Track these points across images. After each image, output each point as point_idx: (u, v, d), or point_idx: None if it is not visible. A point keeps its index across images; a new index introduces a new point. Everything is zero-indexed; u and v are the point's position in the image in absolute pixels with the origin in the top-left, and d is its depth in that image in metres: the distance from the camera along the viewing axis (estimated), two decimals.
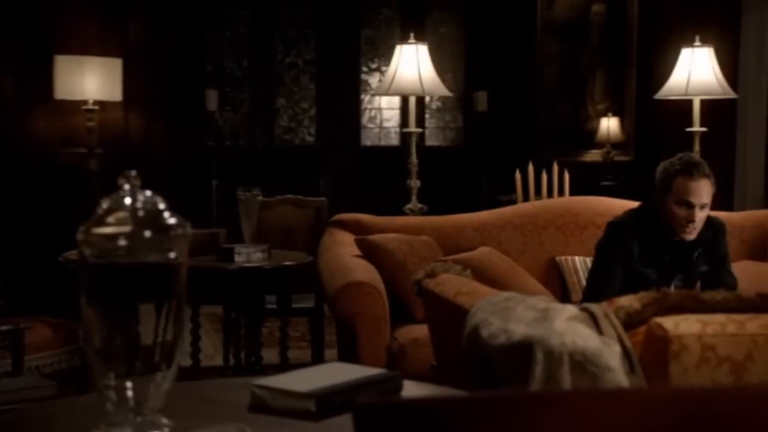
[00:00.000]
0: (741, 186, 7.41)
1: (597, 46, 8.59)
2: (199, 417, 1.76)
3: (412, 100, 4.87)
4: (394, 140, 8.78)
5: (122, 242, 1.63)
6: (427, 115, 8.92)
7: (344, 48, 8.59)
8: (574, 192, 5.33)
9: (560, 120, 8.60)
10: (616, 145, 8.52)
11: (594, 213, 4.37)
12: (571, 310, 1.95)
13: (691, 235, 3.48)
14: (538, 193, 5.46)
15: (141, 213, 1.64)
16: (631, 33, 8.48)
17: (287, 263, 4.10)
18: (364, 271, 3.80)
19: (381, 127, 8.89)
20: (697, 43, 4.91)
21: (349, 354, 3.69)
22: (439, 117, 9.00)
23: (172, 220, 1.67)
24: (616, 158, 8.47)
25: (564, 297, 4.16)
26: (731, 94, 4.95)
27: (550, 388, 1.79)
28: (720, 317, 1.88)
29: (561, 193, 5.49)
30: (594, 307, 2.03)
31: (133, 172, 1.66)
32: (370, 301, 3.65)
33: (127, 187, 1.64)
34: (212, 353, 5.54)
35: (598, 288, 3.54)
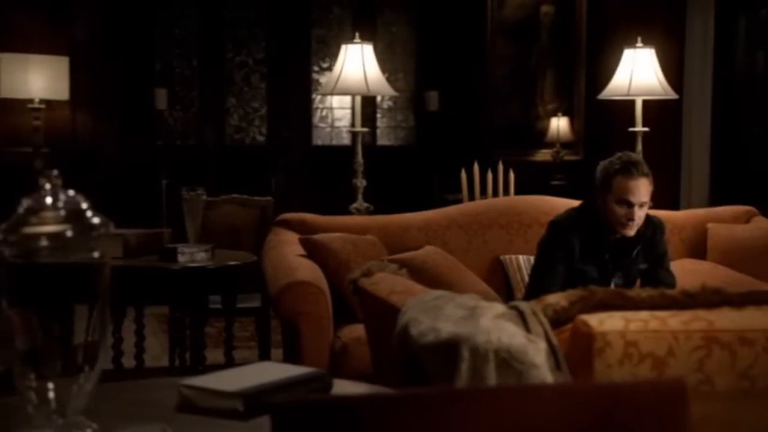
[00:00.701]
0: (686, 185, 7.52)
1: (546, 47, 8.67)
2: (124, 418, 1.75)
3: (358, 100, 4.89)
4: (345, 140, 8.78)
5: (44, 242, 1.61)
6: (378, 115, 8.94)
7: (295, 47, 8.58)
8: (525, 191, 5.37)
9: (511, 120, 8.67)
10: (565, 145, 8.60)
11: (538, 212, 4.41)
12: (498, 308, 1.97)
13: (631, 231, 3.53)
14: (483, 192, 5.50)
15: (63, 213, 1.63)
16: (579, 34, 8.58)
17: (231, 263, 4.08)
18: (308, 271, 3.80)
19: (332, 126, 8.89)
20: (639, 44, 4.97)
21: (292, 353, 3.69)
22: (391, 116, 9.02)
23: (95, 220, 1.66)
24: (566, 158, 8.55)
25: (508, 295, 4.19)
26: (672, 95, 5.01)
27: (476, 385, 1.81)
28: (643, 314, 1.91)
29: (506, 192, 5.53)
30: (522, 305, 2.05)
31: (55, 172, 1.65)
32: (313, 301, 3.65)
33: (48, 186, 1.63)
34: (160, 354, 5.51)
35: (539, 286, 3.57)
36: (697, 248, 4.42)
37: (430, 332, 1.93)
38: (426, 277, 3.84)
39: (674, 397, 1.40)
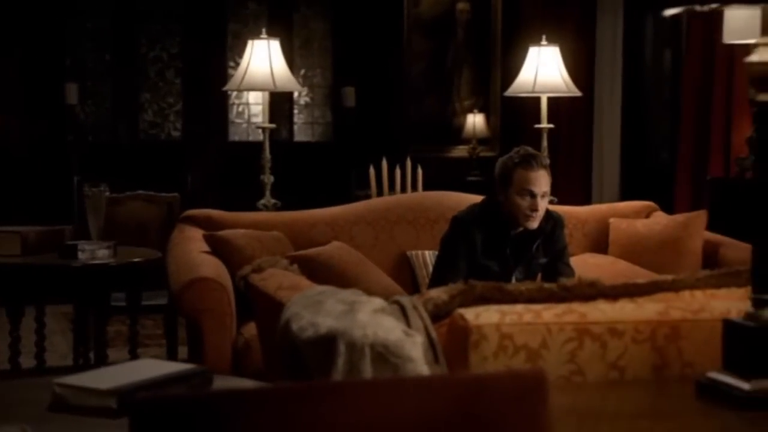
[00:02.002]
0: (598, 183, 7.67)
1: (463, 43, 8.75)
2: None
3: (266, 96, 4.86)
4: (262, 135, 8.73)
5: None
6: (295, 111, 8.92)
7: (211, 42, 8.51)
8: (441, 187, 5.40)
9: (428, 116, 8.73)
10: (482, 141, 8.69)
11: (445, 207, 4.44)
12: (377, 303, 1.99)
13: (535, 222, 3.60)
14: (392, 188, 5.52)
15: None
16: (494, 31, 8.67)
17: (135, 260, 4.03)
18: (211, 267, 3.76)
19: (249, 122, 8.84)
20: (544, 42, 5.04)
21: (195, 350, 3.65)
22: (308, 112, 9.00)
23: None
24: (482, 154, 8.63)
25: (414, 290, 4.22)
26: (576, 92, 5.10)
27: (352, 379, 1.82)
28: (519, 307, 1.94)
29: (414, 188, 5.57)
30: (404, 299, 2.07)
31: None
32: (216, 297, 3.61)
33: None
34: (66, 353, 5.42)
35: (441, 281, 3.59)
36: (599, 243, 4.51)
37: (310, 327, 1.94)
38: (332, 273, 3.84)
39: (534, 387, 1.42)
